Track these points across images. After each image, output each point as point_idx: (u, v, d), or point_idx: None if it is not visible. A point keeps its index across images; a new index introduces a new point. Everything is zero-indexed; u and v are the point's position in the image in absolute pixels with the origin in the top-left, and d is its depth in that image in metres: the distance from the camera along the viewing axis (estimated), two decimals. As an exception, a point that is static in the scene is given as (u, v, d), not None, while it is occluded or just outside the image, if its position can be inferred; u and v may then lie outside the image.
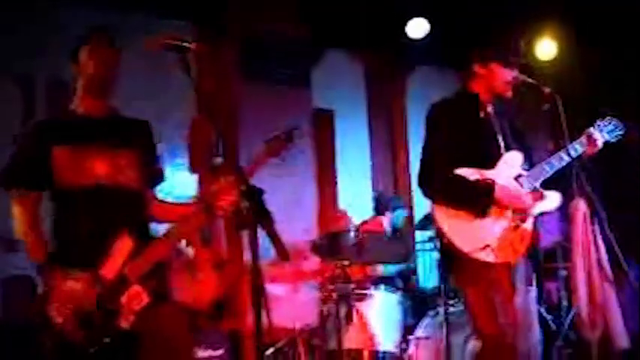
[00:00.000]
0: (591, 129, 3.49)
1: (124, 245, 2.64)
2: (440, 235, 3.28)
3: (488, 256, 3.18)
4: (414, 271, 5.75)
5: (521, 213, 3.29)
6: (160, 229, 2.88)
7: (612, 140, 3.54)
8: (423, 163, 3.34)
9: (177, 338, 2.80)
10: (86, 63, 2.78)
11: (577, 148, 3.42)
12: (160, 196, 3.01)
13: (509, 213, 3.28)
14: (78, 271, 2.58)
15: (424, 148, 3.37)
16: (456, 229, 3.21)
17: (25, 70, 5.20)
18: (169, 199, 3.09)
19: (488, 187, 3.24)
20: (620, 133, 3.57)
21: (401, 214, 5.84)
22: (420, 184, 3.34)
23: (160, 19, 5.49)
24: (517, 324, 3.22)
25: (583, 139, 3.45)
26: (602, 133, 3.51)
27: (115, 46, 2.83)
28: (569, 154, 3.36)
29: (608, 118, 3.57)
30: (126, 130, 2.87)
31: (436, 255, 5.24)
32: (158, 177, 2.99)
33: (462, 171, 3.26)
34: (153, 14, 5.51)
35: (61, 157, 2.70)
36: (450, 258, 3.30)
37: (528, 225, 3.32)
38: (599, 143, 3.46)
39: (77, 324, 2.53)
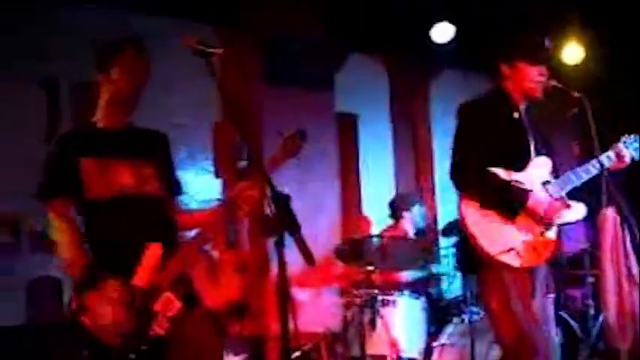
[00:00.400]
0: (620, 145, 3.46)
1: (153, 253, 2.67)
2: (467, 235, 3.23)
3: (513, 260, 3.16)
4: (439, 277, 5.70)
5: (548, 222, 3.25)
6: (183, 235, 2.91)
7: (637, 158, 3.51)
8: (457, 155, 3.30)
9: (208, 342, 2.85)
10: (118, 77, 2.79)
11: (605, 161, 3.39)
12: (181, 205, 3.04)
13: (535, 219, 3.25)
14: (113, 284, 2.61)
15: (456, 141, 3.33)
16: (483, 229, 3.19)
17: (50, 73, 5.23)
18: (190, 207, 3.14)
19: (522, 193, 3.21)
20: None
21: (419, 209, 5.79)
22: (454, 176, 3.30)
23: (183, 22, 5.50)
24: (536, 330, 3.18)
25: (611, 154, 3.42)
26: (629, 149, 3.48)
27: (146, 54, 2.83)
28: (596, 167, 3.33)
29: (634, 135, 3.53)
30: (145, 142, 2.90)
31: (460, 259, 5.23)
32: (177, 187, 3.02)
33: (496, 171, 3.24)
34: (174, 16, 5.52)
35: (88, 168, 2.73)
36: (474, 262, 3.26)
37: (552, 233, 3.29)
38: (627, 160, 3.44)
39: (114, 333, 2.56)
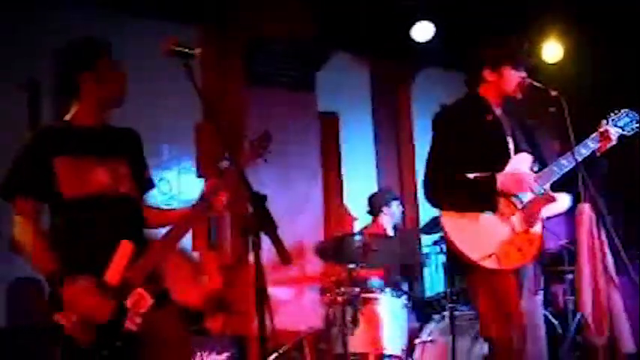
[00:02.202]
0: (603, 122, 3.44)
1: (124, 250, 2.68)
2: (448, 242, 3.27)
3: (494, 264, 3.17)
4: (420, 275, 5.74)
5: (531, 219, 3.28)
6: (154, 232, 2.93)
7: (628, 133, 3.48)
8: (428, 171, 3.32)
9: (178, 338, 2.87)
10: (108, 75, 2.80)
11: (589, 145, 3.38)
12: (150, 202, 3.05)
13: (518, 217, 3.27)
14: (83, 278, 2.61)
15: (430, 155, 3.35)
16: (463, 236, 3.21)
17: (32, 73, 5.21)
18: (160, 205, 3.15)
19: (489, 178, 3.23)
20: (637, 125, 3.50)
21: (397, 205, 5.83)
22: (426, 194, 3.32)
23: (164, 22, 5.50)
24: (525, 328, 3.20)
25: (596, 135, 3.40)
26: (617, 126, 3.45)
27: (116, 62, 2.84)
28: (579, 154, 3.32)
29: (623, 110, 3.50)
30: (119, 140, 2.90)
31: (443, 258, 5.27)
32: (149, 184, 3.03)
33: (471, 176, 3.26)
34: (158, 17, 5.52)
35: (62, 167, 2.72)
36: (459, 263, 3.28)
37: (537, 228, 3.30)
38: (614, 138, 3.41)
39: (87, 329, 2.57)
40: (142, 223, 2.89)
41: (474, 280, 3.28)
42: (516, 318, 3.18)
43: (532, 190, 3.29)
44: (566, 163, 3.34)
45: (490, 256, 3.16)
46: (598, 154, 3.41)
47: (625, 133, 3.47)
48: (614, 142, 3.42)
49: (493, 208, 3.23)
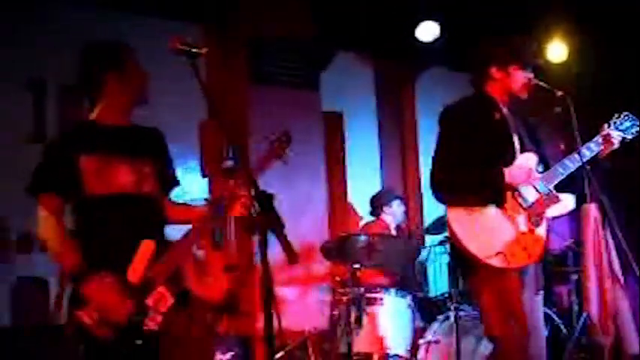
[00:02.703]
0: (605, 126, 3.46)
1: (146, 249, 2.69)
2: (455, 240, 3.26)
3: (502, 262, 3.17)
4: (425, 275, 5.74)
5: (537, 218, 3.27)
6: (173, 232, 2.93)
7: (629, 137, 3.50)
8: (435, 167, 3.31)
9: (200, 339, 2.89)
10: (133, 74, 2.84)
11: (592, 147, 3.40)
12: (172, 198, 3.07)
13: (524, 217, 3.28)
14: (105, 275, 2.63)
15: (437, 152, 3.34)
16: (471, 234, 3.20)
17: (37, 74, 5.22)
18: (181, 201, 3.14)
19: (497, 172, 3.23)
20: (638, 129, 3.52)
21: (399, 205, 5.83)
22: (432, 188, 3.32)
23: (169, 21, 5.50)
24: (527, 327, 3.21)
25: (598, 138, 3.42)
26: (618, 130, 3.46)
27: (138, 64, 2.90)
28: (583, 155, 3.32)
29: (624, 114, 3.52)
30: (144, 139, 2.92)
31: (447, 258, 5.26)
32: (173, 182, 3.05)
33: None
34: (161, 16, 5.52)
35: (88, 166, 2.74)
36: (464, 262, 3.29)
37: (542, 229, 3.30)
38: (616, 142, 3.43)
39: (107, 327, 2.58)
40: (163, 223, 2.91)
41: (478, 279, 3.28)
42: (521, 317, 3.19)
43: (538, 213, 3.28)
44: (570, 165, 3.35)
45: (498, 254, 3.16)
46: (600, 157, 3.42)
47: (626, 136, 3.49)
48: (616, 146, 3.44)
49: (501, 201, 3.23)
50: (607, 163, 3.45)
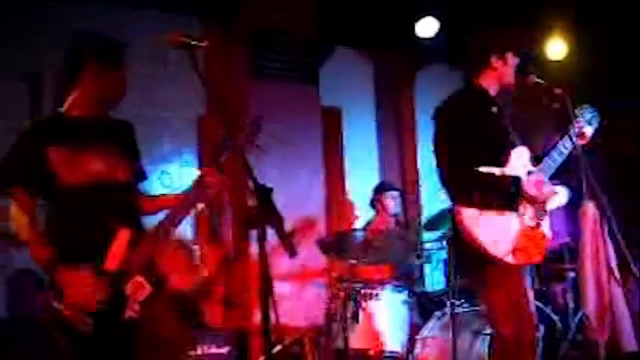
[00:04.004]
0: (575, 122, 3.44)
1: (123, 238, 2.70)
2: (469, 239, 3.21)
3: (518, 260, 3.17)
4: (422, 271, 5.74)
5: (540, 213, 3.27)
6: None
7: (596, 126, 3.50)
8: (448, 163, 3.28)
9: (177, 326, 2.90)
10: (92, 84, 2.81)
11: (572, 138, 3.38)
12: (144, 191, 3.07)
13: (529, 211, 3.27)
14: (82, 265, 2.63)
15: (442, 147, 3.32)
16: (486, 232, 3.18)
17: (34, 65, 5.20)
18: (154, 193, 3.17)
19: (515, 179, 3.23)
20: (598, 117, 3.52)
21: (391, 196, 5.85)
22: (448, 184, 3.29)
23: (169, 15, 5.49)
24: (533, 324, 3.22)
25: (575, 130, 3.41)
26: (585, 122, 3.47)
27: (121, 64, 2.84)
28: (565, 146, 3.33)
29: (583, 106, 3.52)
30: (113, 130, 2.91)
31: (446, 255, 5.26)
32: (142, 175, 3.04)
33: (483, 170, 3.25)
34: (161, 10, 5.51)
35: (56, 157, 2.73)
36: (469, 259, 3.28)
37: (545, 225, 3.30)
38: (588, 133, 3.45)
39: (85, 316, 2.59)
40: (139, 211, 2.91)
41: (485, 276, 3.26)
42: (529, 315, 3.19)
43: (541, 206, 3.27)
44: (557, 156, 3.35)
45: (515, 252, 3.15)
46: (577, 150, 3.39)
47: (594, 126, 3.49)
48: (589, 137, 3.44)
49: (515, 209, 3.23)
50: (590, 156, 3.44)
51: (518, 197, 3.22)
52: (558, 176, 3.38)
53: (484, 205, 3.20)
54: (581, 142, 3.41)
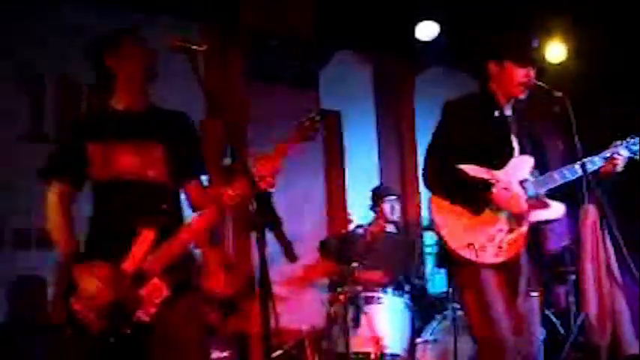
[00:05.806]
0: (617, 143, 3.41)
1: (145, 239, 2.66)
2: (434, 228, 3.27)
3: (469, 255, 3.16)
4: (422, 274, 5.73)
5: (519, 219, 3.25)
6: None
7: (637, 157, 3.44)
8: (429, 155, 3.33)
9: (193, 334, 2.78)
10: (123, 61, 2.81)
11: (595, 161, 3.36)
12: (202, 185, 2.96)
13: (504, 216, 3.25)
14: (98, 263, 2.62)
15: (432, 140, 3.35)
16: (448, 224, 3.21)
17: (35, 68, 5.21)
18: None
19: (486, 185, 3.22)
20: None
21: (390, 201, 5.84)
22: (423, 177, 3.35)
23: (168, 19, 5.49)
24: (519, 328, 3.18)
25: (606, 153, 3.38)
26: (629, 150, 3.41)
27: (147, 46, 2.86)
28: (584, 168, 3.28)
29: (633, 136, 3.47)
30: (161, 123, 2.86)
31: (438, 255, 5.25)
32: (193, 169, 2.94)
33: (469, 167, 3.25)
34: (160, 13, 5.50)
35: (94, 153, 2.75)
36: (450, 260, 3.28)
37: (523, 228, 3.26)
38: (620, 162, 3.37)
39: (99, 316, 2.57)
40: (169, 211, 2.80)
41: (460, 278, 3.29)
42: (509, 316, 3.16)
43: (520, 214, 3.25)
44: (568, 175, 3.31)
45: (469, 246, 3.15)
46: (601, 174, 3.36)
47: (634, 156, 3.44)
48: (619, 169, 3.37)
49: (479, 213, 3.22)
50: (607, 183, 3.42)
51: (485, 204, 3.21)
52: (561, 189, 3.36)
53: (453, 202, 3.23)
54: (609, 165, 3.35)
